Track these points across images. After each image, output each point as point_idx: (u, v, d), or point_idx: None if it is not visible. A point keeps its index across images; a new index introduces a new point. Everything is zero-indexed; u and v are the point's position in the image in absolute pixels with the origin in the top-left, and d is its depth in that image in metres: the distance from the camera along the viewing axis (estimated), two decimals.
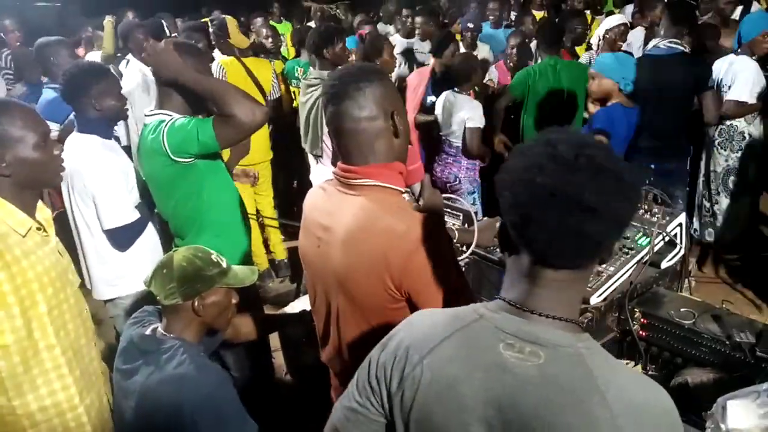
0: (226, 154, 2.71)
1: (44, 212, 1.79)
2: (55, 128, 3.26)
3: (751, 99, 3.83)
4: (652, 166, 3.62)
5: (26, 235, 1.66)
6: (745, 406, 1.34)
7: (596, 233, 0.92)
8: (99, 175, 2.43)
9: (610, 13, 6.43)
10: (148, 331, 1.85)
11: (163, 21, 5.13)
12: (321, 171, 3.59)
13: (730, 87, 3.90)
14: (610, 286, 1.93)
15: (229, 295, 1.89)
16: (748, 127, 3.97)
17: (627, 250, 2.01)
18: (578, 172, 0.91)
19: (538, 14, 6.53)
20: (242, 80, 4.19)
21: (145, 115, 2.29)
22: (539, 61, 4.36)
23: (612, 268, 1.96)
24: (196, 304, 1.79)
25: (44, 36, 3.92)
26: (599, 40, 4.80)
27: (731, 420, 1.32)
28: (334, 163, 3.46)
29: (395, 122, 1.47)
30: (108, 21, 4.82)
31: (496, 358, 0.95)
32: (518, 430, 0.92)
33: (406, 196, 1.52)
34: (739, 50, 3.96)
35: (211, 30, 4.37)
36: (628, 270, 1.97)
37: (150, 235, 2.64)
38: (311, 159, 3.70)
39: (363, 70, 1.50)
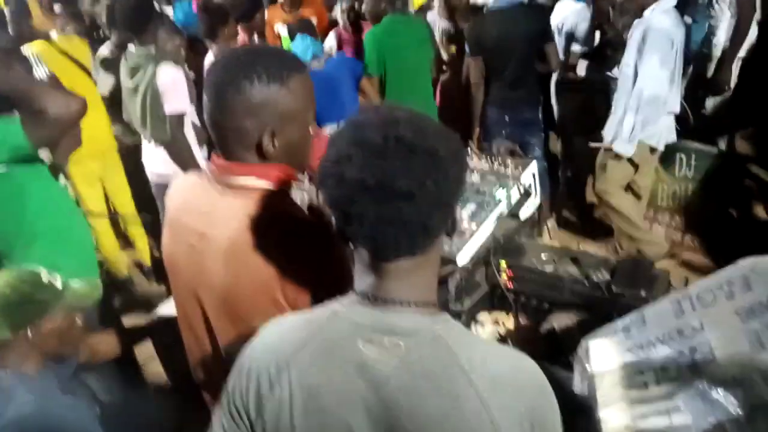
0: None
1: None
2: None
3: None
4: (507, 117, 3.74)
5: None
6: (606, 345, 1.38)
7: (419, 217, 0.86)
8: None
9: None
10: None
11: None
12: (155, 152, 3.37)
13: (572, 34, 4.12)
14: (474, 243, 1.94)
15: (69, 317, 1.68)
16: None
17: (485, 206, 2.02)
18: (387, 157, 0.84)
19: None
20: (63, 65, 3.66)
21: None
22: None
23: (474, 226, 1.97)
24: (29, 334, 1.58)
25: None
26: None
27: (595, 362, 1.36)
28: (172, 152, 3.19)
29: (274, 139, 1.22)
30: None
31: (357, 356, 0.90)
32: (389, 427, 0.88)
33: (299, 191, 1.35)
34: None
35: (7, 14, 3.83)
36: (489, 225, 1.99)
37: None
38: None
39: (250, 63, 1.20)
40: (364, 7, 4.17)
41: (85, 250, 2.27)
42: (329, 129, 3.41)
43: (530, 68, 3.74)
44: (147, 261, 4.29)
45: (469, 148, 2.23)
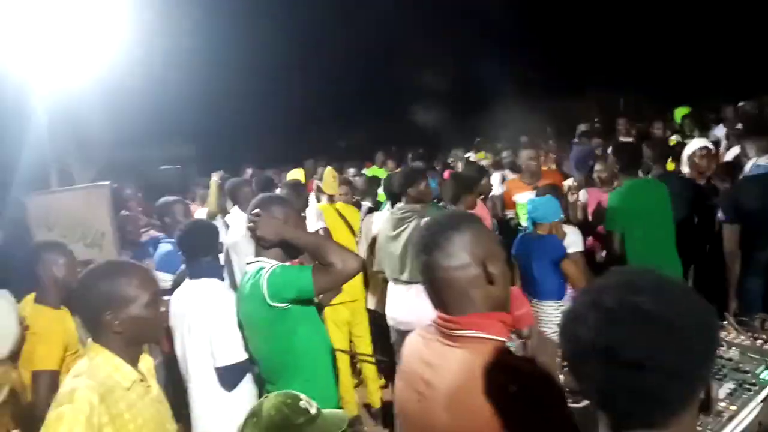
0: None
1: (146, 362, 1.88)
2: (168, 279, 3.51)
3: None
4: None
5: (130, 387, 1.74)
6: None
7: (653, 389, 0.83)
8: (219, 314, 2.59)
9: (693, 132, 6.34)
10: None
11: (269, 176, 5.61)
12: (400, 299, 3.69)
13: None
14: (734, 426, 1.72)
15: None
16: None
17: (749, 387, 1.81)
18: (619, 323, 0.84)
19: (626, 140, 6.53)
20: (338, 224, 4.47)
21: (246, 263, 2.44)
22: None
23: (734, 407, 1.76)
24: None
25: (167, 195, 4.41)
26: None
27: None
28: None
29: (488, 270, 1.40)
30: (213, 181, 5.32)
31: None
32: None
33: (512, 345, 1.45)
34: None
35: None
36: (752, 408, 1.76)
37: (249, 379, 2.70)
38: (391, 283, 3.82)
39: (452, 219, 1.47)
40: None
41: (332, 384, 2.50)
42: None
43: None
44: (375, 403, 4.49)
45: (725, 322, 2.05)
